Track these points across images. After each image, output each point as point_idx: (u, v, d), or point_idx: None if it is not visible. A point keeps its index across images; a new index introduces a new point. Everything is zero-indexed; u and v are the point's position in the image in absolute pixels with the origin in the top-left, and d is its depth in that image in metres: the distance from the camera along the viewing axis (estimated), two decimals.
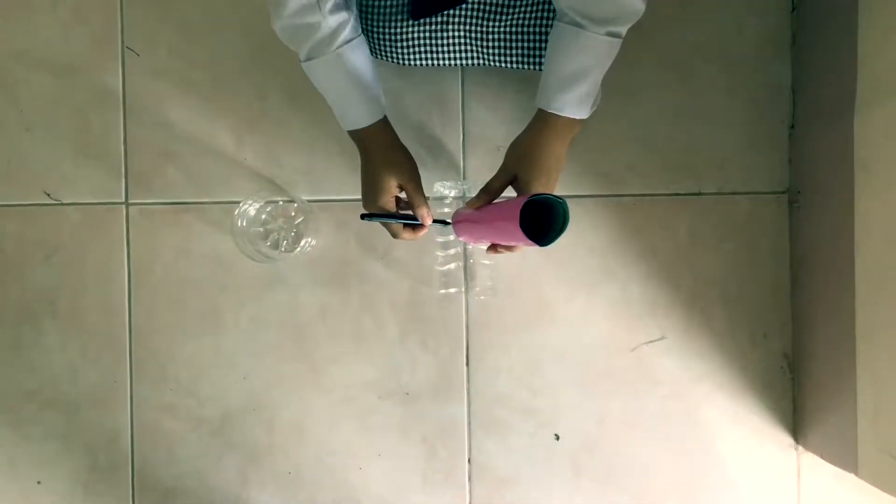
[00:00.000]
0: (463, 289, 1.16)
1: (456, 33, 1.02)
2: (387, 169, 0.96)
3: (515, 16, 1.00)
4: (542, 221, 0.85)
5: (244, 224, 1.12)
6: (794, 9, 1.14)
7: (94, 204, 1.18)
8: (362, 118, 0.95)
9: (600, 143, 1.15)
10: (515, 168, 0.91)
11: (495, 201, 0.94)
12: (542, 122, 0.91)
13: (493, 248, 0.95)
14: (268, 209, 1.15)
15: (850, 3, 0.98)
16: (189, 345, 1.17)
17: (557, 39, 0.88)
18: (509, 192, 0.93)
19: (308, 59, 0.91)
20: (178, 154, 1.17)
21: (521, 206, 0.81)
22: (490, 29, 1.01)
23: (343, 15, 0.89)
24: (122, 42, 1.17)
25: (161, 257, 1.17)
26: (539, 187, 0.90)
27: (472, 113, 1.15)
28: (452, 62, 1.06)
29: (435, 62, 1.06)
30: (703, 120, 1.14)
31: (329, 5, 0.87)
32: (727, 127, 1.14)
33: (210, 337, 1.17)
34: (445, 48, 1.04)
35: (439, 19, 1.01)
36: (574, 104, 0.88)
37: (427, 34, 1.02)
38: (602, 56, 0.86)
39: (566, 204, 0.82)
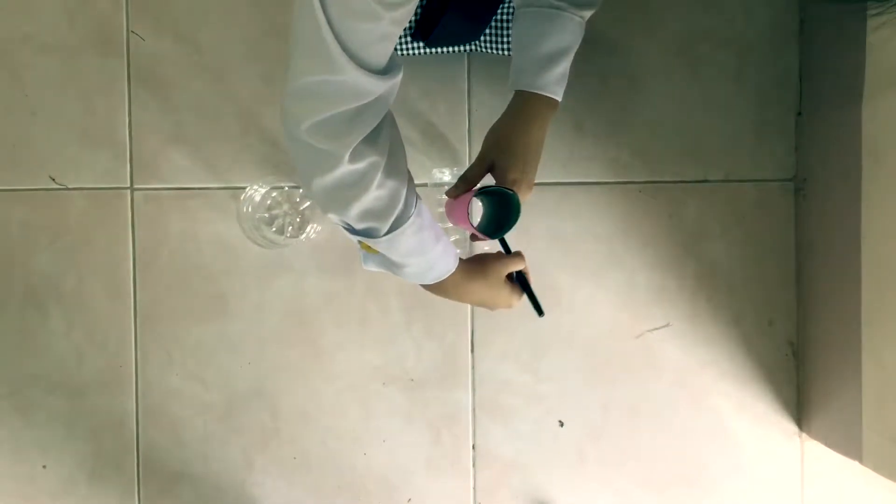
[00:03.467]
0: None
1: None
2: (497, 277, 0.91)
3: (507, 4, 1.01)
4: (506, 213, 0.85)
5: (249, 209, 1.12)
6: None
7: (100, 189, 1.18)
8: (450, 263, 0.87)
9: (607, 130, 1.14)
10: (493, 155, 0.90)
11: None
12: (520, 106, 0.90)
13: (474, 236, 0.94)
14: (273, 194, 1.15)
15: None
16: (195, 330, 1.17)
17: (534, 22, 0.88)
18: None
19: (392, 230, 0.78)
20: (184, 139, 1.17)
21: (469, 198, 0.82)
22: None
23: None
24: (128, 26, 1.17)
25: (167, 243, 1.17)
26: (516, 174, 0.88)
27: (479, 99, 1.15)
28: (446, 49, 1.06)
29: (429, 50, 1.06)
30: (709, 107, 1.14)
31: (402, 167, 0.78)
32: (734, 114, 1.14)
33: (215, 322, 1.17)
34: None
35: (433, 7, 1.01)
36: (554, 83, 0.88)
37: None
38: (577, 36, 0.88)
39: (517, 196, 0.82)
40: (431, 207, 1.14)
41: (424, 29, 1.02)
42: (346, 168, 0.71)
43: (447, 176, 1.13)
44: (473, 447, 1.17)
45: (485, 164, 0.90)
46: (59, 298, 1.18)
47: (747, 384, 1.15)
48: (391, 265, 0.85)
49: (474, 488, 1.17)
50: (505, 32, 1.05)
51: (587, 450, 1.16)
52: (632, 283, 1.15)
